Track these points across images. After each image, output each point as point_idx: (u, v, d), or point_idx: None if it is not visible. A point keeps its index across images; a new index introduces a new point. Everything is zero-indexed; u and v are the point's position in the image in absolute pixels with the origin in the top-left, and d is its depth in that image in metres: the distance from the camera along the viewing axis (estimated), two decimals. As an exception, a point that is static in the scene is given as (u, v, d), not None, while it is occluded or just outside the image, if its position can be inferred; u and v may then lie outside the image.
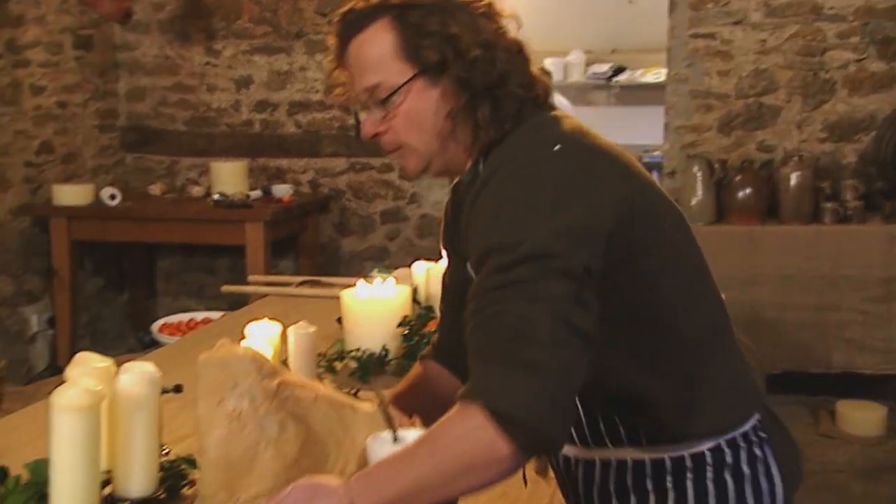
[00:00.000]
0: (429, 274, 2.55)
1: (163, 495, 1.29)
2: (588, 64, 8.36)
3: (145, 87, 4.95)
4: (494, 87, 1.13)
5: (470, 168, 1.20)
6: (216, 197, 4.28)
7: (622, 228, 1.07)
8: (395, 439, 1.03)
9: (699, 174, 3.84)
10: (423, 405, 1.26)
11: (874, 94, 4.13)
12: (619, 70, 8.18)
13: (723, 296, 1.25)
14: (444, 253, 1.43)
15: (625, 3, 8.23)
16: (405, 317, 2.26)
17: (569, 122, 1.16)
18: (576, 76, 8.16)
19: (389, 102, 1.15)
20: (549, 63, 8.39)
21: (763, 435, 1.21)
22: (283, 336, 1.86)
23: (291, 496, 0.95)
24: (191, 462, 1.40)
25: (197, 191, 4.60)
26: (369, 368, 2.18)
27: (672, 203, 1.22)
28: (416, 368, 1.40)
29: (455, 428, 0.97)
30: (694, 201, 3.85)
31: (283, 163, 4.88)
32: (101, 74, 4.78)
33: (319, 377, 1.92)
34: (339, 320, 2.36)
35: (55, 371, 4.22)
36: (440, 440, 0.97)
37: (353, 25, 1.16)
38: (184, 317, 3.65)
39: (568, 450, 1.25)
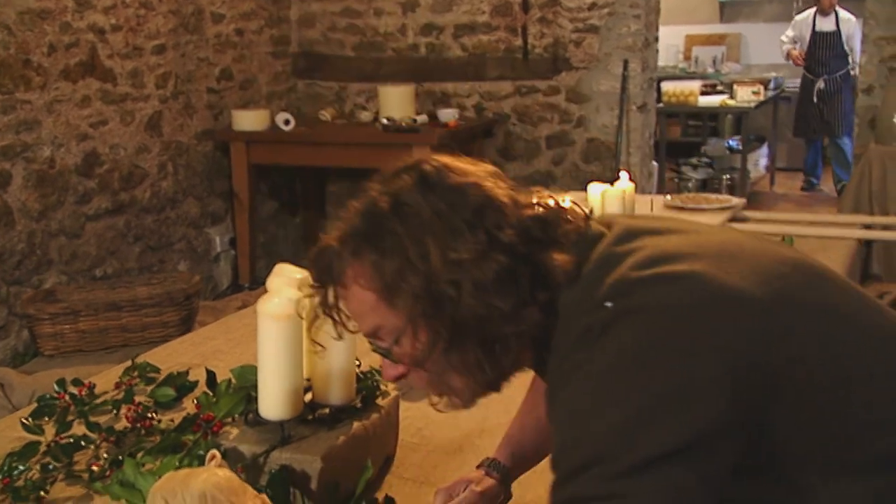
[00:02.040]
0: (604, 196, 2.47)
1: (359, 404, 1.32)
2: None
3: (315, 13, 5.03)
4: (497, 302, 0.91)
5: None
6: (384, 122, 4.33)
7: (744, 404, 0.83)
8: None
9: (902, 90, 3.50)
10: (539, 422, 1.15)
11: None
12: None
13: None
14: None
15: None
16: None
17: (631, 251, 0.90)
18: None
19: (396, 345, 0.96)
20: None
21: None
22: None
23: None
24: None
25: (365, 116, 4.66)
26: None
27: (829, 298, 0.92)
28: (534, 386, 1.24)
29: None
30: (895, 118, 3.52)
31: (449, 87, 4.86)
32: (274, 1, 4.89)
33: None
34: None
35: (237, 289, 4.47)
36: None
37: (327, 277, 0.97)
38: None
39: None
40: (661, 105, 6.43)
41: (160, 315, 2.69)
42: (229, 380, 1.36)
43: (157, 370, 1.69)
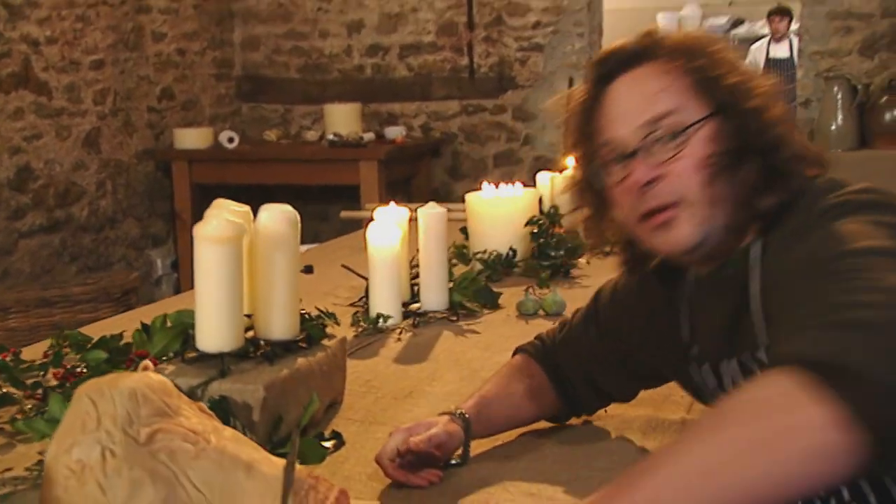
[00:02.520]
0: (553, 182, 2.45)
1: (303, 344, 1.24)
2: (704, 18, 8.04)
3: (259, 36, 5.00)
4: (773, 149, 0.98)
5: (743, 248, 0.99)
6: (330, 137, 4.29)
7: None
8: None
9: (839, 97, 3.59)
10: (512, 397, 1.17)
11: None
12: (737, 22, 7.83)
13: None
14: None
15: (741, -48, 7.86)
16: (533, 216, 2.17)
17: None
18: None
19: (684, 134, 0.97)
20: (661, 18, 8.15)
21: None
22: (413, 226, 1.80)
23: None
24: (331, 315, 1.35)
25: (311, 135, 4.62)
26: (497, 269, 2.10)
27: None
28: (516, 361, 1.25)
29: (757, 391, 0.70)
30: (833, 127, 3.59)
31: (395, 107, 4.84)
32: (217, 23, 4.85)
33: (450, 263, 1.85)
34: (463, 230, 2.29)
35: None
36: (730, 405, 0.71)
37: (623, 63, 1.02)
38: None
39: None
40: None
41: (95, 311, 2.56)
42: (164, 316, 1.28)
43: (89, 339, 1.58)
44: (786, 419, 0.67)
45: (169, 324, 1.27)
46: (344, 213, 3.07)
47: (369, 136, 4.40)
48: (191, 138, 4.32)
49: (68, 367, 1.39)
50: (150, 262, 4.41)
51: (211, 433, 0.89)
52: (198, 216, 4.58)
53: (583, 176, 1.07)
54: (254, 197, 5.25)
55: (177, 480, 0.84)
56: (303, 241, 4.38)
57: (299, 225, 1.24)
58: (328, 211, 4.97)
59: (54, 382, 1.35)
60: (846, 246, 0.84)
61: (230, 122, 4.96)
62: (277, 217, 1.21)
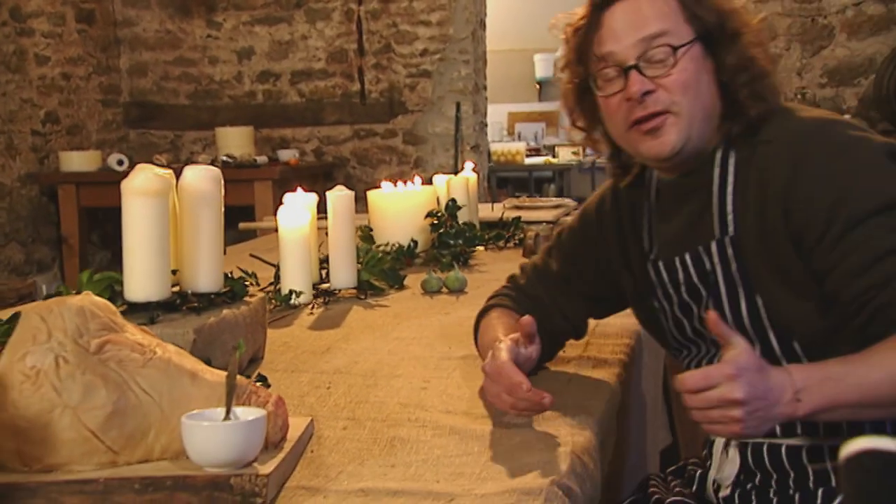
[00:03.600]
0: (449, 184, 2.58)
1: (228, 299, 1.31)
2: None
3: (147, 63, 4.98)
4: (759, 77, 1.14)
5: (706, 158, 1.16)
6: (224, 158, 4.30)
7: None
8: (227, 417, 0.87)
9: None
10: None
11: (872, 38, 4.21)
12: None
13: None
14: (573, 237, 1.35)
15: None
16: (432, 209, 2.29)
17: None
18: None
19: (675, 55, 1.11)
20: (539, 58, 8.56)
21: None
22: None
23: (745, 361, 0.93)
24: (252, 275, 1.41)
25: (203, 158, 4.61)
26: (400, 259, 2.20)
27: None
28: (498, 314, 1.30)
29: None
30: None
31: (287, 132, 4.90)
32: (103, 49, 4.81)
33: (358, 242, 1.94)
34: (366, 226, 2.38)
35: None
36: None
37: None
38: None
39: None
40: (491, 164, 6.76)
41: (-11, 317, 2.48)
42: (91, 272, 1.31)
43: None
44: None
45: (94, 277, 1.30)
46: (242, 225, 3.11)
47: (262, 158, 4.44)
48: (78, 161, 4.25)
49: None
50: (35, 288, 4.27)
51: (156, 347, 0.95)
52: (85, 240, 4.50)
53: (579, 88, 1.19)
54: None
55: (127, 385, 0.91)
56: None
57: (222, 182, 1.31)
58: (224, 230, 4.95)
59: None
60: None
61: (117, 147, 4.89)
62: (202, 175, 1.28)
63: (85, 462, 0.87)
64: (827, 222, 1.04)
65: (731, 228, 1.12)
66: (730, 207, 1.12)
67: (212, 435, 0.85)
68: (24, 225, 4.20)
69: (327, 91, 4.87)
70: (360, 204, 4.77)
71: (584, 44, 1.17)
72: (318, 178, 4.75)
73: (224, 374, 0.94)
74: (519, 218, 2.60)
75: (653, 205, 1.24)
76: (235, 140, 4.46)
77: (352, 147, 4.88)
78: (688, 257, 1.16)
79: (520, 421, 1.06)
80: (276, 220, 3.17)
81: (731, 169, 1.14)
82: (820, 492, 1.10)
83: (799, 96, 4.02)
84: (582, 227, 1.34)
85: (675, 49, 1.11)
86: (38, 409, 0.87)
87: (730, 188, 1.13)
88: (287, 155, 4.51)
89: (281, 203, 1.84)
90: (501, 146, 7.40)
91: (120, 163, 4.27)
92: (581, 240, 1.33)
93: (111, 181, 4.25)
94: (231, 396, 0.90)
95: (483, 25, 4.95)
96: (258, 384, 0.99)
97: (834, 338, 1.07)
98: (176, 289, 1.27)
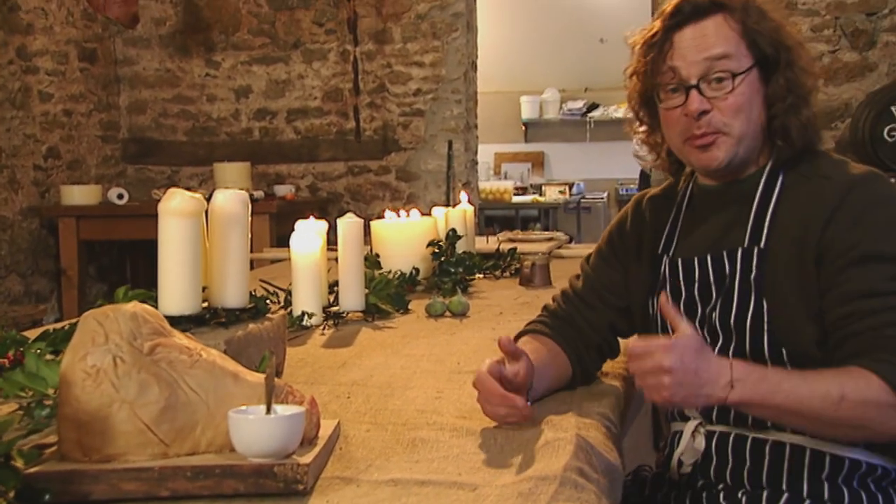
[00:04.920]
0: (448, 216, 2.69)
1: (252, 314, 1.39)
2: (563, 101, 8.70)
3: (146, 100, 5.09)
4: (805, 105, 1.26)
5: (752, 174, 1.29)
6: (222, 194, 4.39)
7: None
8: (269, 412, 0.95)
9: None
10: (545, 368, 1.28)
11: (847, 84, 4.38)
12: (592, 107, 8.52)
13: None
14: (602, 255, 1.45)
15: (596, 42, 8.61)
16: (433, 238, 2.39)
17: None
18: (552, 113, 8.49)
19: (734, 81, 1.23)
20: (525, 100, 8.75)
21: None
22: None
23: (684, 340, 1.05)
24: (274, 293, 1.50)
25: (201, 193, 4.70)
26: (402, 286, 2.29)
27: None
28: (525, 340, 1.36)
29: (865, 390, 1.07)
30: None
31: (283, 168, 5.01)
32: (104, 87, 4.92)
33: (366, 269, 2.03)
34: (375, 254, 2.47)
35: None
36: (850, 393, 1.07)
37: (693, 13, 1.26)
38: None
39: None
40: (480, 202, 6.89)
41: (2, 342, 2.54)
42: (127, 288, 1.40)
43: (25, 340, 1.65)
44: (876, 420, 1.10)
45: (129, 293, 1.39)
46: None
47: (259, 193, 4.54)
48: (79, 195, 4.34)
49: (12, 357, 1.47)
50: (34, 320, 4.32)
51: (201, 350, 1.04)
52: (84, 272, 4.57)
53: (643, 96, 1.32)
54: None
55: (177, 384, 0.99)
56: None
57: (250, 206, 1.40)
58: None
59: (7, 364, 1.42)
60: None
61: (115, 182, 4.98)
62: (231, 198, 1.37)
63: (139, 453, 0.96)
64: (844, 252, 1.16)
65: (762, 240, 1.23)
66: (767, 221, 1.24)
67: (257, 428, 0.94)
68: (24, 257, 4.27)
69: (322, 129, 4.99)
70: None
71: (653, 58, 1.28)
72: (314, 212, 4.84)
73: (262, 375, 1.03)
74: (515, 248, 2.70)
75: (683, 209, 1.36)
76: (233, 175, 4.56)
77: (346, 183, 4.99)
78: (709, 258, 1.27)
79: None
80: (274, 252, 3.27)
81: (778, 187, 1.26)
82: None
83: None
84: (608, 241, 1.45)
85: (734, 76, 1.24)
86: (98, 403, 0.95)
87: (772, 204, 1.25)
88: (283, 190, 4.62)
89: (293, 230, 1.92)
90: (490, 184, 7.56)
91: (120, 196, 4.36)
92: (607, 253, 1.44)
93: (112, 215, 4.37)
94: (271, 394, 0.98)
95: (474, 67, 5.11)
96: (293, 386, 1.07)
97: (819, 356, 1.18)
98: (205, 304, 1.36)
